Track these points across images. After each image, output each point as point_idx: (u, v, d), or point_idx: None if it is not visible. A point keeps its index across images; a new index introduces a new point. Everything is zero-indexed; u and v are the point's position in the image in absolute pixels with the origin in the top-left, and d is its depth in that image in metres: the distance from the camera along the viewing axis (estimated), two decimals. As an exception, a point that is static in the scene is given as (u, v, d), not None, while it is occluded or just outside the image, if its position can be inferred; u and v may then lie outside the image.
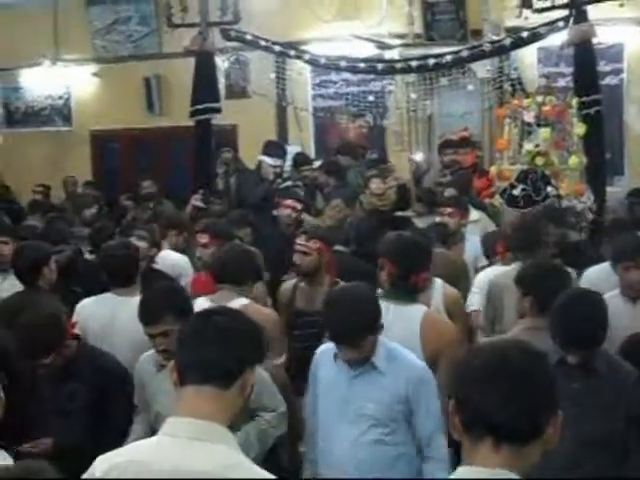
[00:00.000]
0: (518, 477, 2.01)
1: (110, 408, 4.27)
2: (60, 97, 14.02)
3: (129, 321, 4.45)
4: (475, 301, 6.29)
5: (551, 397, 2.07)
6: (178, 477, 2.27)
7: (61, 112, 14.11)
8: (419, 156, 11.09)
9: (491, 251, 6.69)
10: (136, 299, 4.50)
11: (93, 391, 4.25)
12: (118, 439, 3.06)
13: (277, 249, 7.08)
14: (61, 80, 13.72)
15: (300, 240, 5.62)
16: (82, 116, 13.88)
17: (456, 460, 2.63)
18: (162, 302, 4.17)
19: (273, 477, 2.39)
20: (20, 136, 13.95)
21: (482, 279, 6.36)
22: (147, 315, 4.25)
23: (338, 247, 6.33)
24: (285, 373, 4.97)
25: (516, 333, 4.43)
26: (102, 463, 2.39)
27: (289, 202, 7.78)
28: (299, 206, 7.76)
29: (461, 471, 2.07)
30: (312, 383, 4.17)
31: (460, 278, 6.33)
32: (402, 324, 4.32)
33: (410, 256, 4.64)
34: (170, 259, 6.83)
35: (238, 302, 4.74)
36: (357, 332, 3.78)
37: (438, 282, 5.47)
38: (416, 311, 4.56)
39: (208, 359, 2.43)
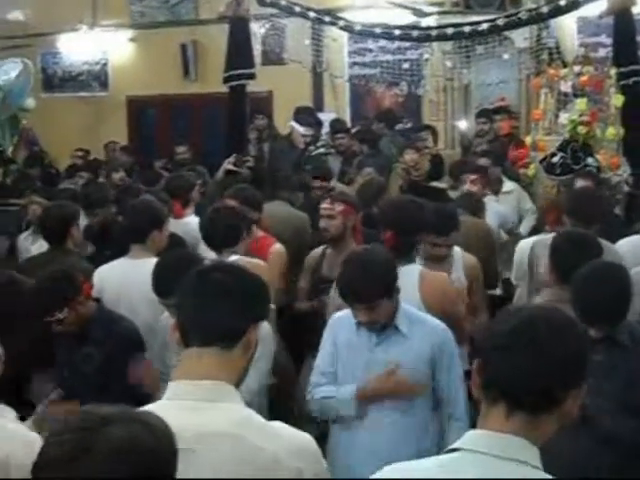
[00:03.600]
0: (528, 444, 1.97)
1: (123, 372, 4.22)
2: (97, 62, 14.05)
3: (145, 281, 4.41)
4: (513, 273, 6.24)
5: (575, 370, 2.00)
6: (195, 440, 2.21)
7: (98, 77, 14.14)
8: (464, 124, 10.99)
9: (542, 220, 6.54)
10: (152, 260, 4.55)
11: (107, 355, 4.22)
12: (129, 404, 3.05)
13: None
14: (98, 46, 13.73)
15: (325, 204, 5.60)
16: (119, 82, 13.91)
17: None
18: (174, 273, 3.96)
19: (287, 426, 2.35)
20: (57, 101, 14.01)
21: (522, 249, 6.27)
22: (160, 287, 4.25)
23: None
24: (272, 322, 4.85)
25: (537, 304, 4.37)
26: None
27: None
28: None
29: (469, 435, 2.04)
30: (329, 345, 4.13)
31: (489, 247, 6.27)
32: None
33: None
34: (192, 224, 6.67)
35: (229, 259, 4.77)
36: (369, 293, 3.75)
37: (457, 250, 5.45)
38: (410, 271, 4.55)
39: (210, 319, 2.35)
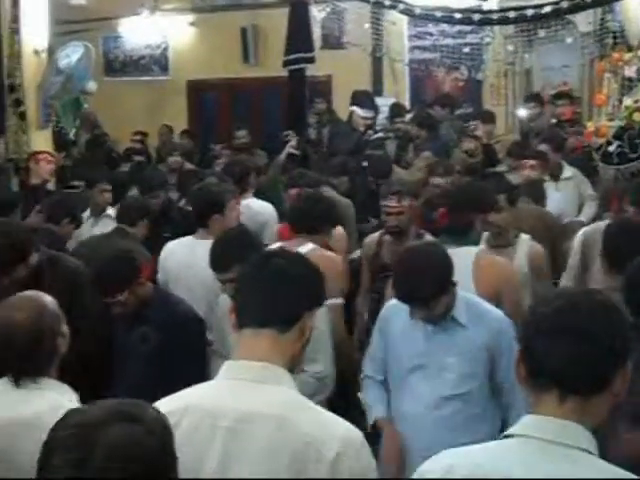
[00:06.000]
0: (582, 428, 1.97)
1: (185, 354, 4.19)
2: (158, 46, 14.14)
3: (204, 263, 4.43)
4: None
5: (621, 349, 1.99)
6: (241, 419, 2.25)
7: (159, 61, 14.24)
8: (522, 112, 10.86)
9: (606, 206, 6.44)
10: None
11: (164, 335, 4.19)
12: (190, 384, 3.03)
13: (363, 200, 7.05)
14: (159, 30, 13.80)
15: (391, 202, 5.53)
16: (179, 66, 13.99)
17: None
18: (231, 249, 4.15)
19: (337, 417, 2.34)
20: (119, 85, 14.10)
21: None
22: (216, 262, 4.26)
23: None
24: (339, 316, 4.85)
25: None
26: (160, 408, 2.19)
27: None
28: None
29: (524, 421, 2.03)
30: (379, 334, 4.11)
31: (554, 234, 6.14)
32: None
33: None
34: (255, 208, 6.61)
35: (306, 247, 4.73)
36: (426, 294, 3.67)
37: (524, 238, 5.36)
38: (466, 252, 4.52)
39: (267, 302, 2.39)
